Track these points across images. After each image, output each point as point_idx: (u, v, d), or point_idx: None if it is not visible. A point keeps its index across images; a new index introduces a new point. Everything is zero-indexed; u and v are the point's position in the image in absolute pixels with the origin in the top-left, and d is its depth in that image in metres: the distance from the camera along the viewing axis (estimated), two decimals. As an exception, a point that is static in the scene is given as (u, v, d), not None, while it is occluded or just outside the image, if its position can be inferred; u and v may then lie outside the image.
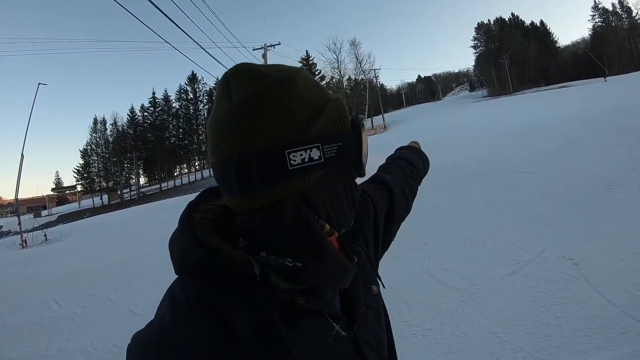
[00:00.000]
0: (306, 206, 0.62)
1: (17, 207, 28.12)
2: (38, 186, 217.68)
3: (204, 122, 77.73)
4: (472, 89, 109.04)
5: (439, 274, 5.24)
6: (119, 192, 72.43)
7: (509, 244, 5.85)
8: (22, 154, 24.84)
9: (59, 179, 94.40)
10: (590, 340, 3.35)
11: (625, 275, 4.32)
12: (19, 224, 22.89)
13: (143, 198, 62.34)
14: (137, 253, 10.07)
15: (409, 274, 5.39)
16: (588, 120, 16.27)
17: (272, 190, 0.60)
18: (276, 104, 0.60)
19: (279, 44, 28.46)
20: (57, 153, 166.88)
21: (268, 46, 27.74)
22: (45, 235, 21.57)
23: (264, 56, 27.28)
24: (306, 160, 0.59)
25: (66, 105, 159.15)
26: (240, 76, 0.64)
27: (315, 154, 0.60)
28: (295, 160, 0.59)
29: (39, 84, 27.41)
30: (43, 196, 78.78)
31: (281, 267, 0.61)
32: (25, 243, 20.08)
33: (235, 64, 0.68)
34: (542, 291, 4.30)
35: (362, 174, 0.71)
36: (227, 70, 0.68)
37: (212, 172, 0.66)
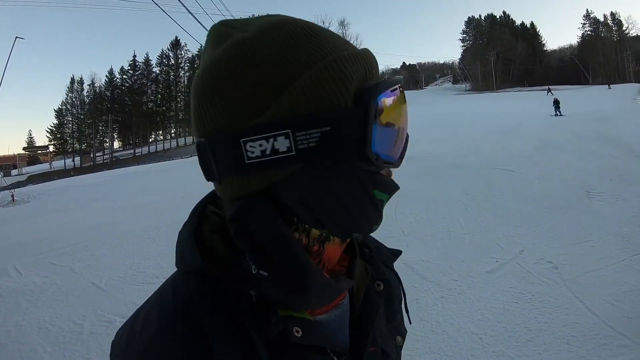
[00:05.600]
0: (275, 206, 0.48)
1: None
2: (9, 144, 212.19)
3: (183, 90, 77.58)
4: (455, 81, 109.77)
5: (417, 266, 5.14)
6: (91, 155, 71.07)
7: (488, 241, 5.82)
8: None
9: (31, 138, 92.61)
10: (571, 348, 3.30)
11: (604, 283, 4.32)
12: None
13: (116, 162, 61.75)
14: (105, 220, 9.78)
15: (387, 263, 5.28)
16: (567, 124, 16.46)
17: (234, 183, 0.48)
18: (226, 77, 0.47)
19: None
20: (31, 111, 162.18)
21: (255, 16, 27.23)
22: (12, 195, 21.21)
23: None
24: (267, 152, 0.45)
25: (42, 61, 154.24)
26: (210, 39, 0.52)
27: (283, 144, 0.44)
28: (253, 153, 0.45)
29: (16, 37, 26.63)
30: (14, 155, 76.86)
31: (256, 278, 0.49)
32: None
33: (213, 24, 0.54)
34: (523, 293, 4.26)
35: (378, 167, 0.51)
36: None
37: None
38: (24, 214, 14.15)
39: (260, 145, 0.44)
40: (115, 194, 15.28)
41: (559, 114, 24.01)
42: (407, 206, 7.71)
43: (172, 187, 9.25)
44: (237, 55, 0.47)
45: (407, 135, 0.56)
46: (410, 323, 0.75)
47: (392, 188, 0.56)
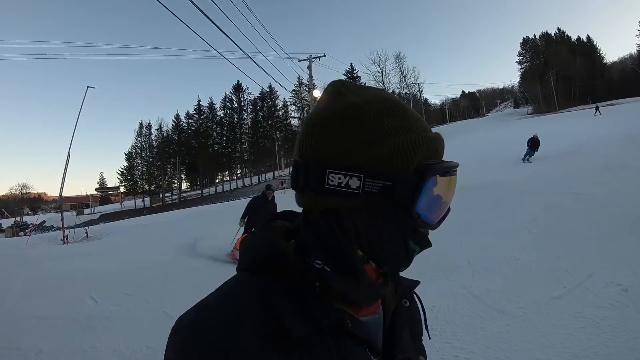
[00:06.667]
0: (337, 224, 0.64)
1: (60, 203, 29.43)
2: (82, 185, 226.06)
3: (247, 132, 79.78)
4: (516, 105, 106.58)
5: (483, 295, 5.08)
6: (160, 196, 74.64)
7: (555, 266, 5.62)
8: (68, 153, 26.23)
9: (103, 179, 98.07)
10: (641, 374, 3.13)
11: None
12: (62, 220, 23.79)
13: (184, 202, 64.40)
14: (175, 255, 10.24)
15: (452, 293, 5.27)
16: (635, 140, 15.62)
17: (312, 197, 0.64)
18: (336, 125, 0.64)
19: (324, 55, 28.42)
20: (102, 154, 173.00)
21: (313, 58, 27.84)
22: (86, 232, 22.25)
23: (309, 67, 27.46)
24: (342, 185, 0.61)
25: (112, 108, 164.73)
26: (330, 90, 0.70)
27: (354, 182, 0.61)
28: (332, 181, 0.62)
29: (88, 87, 28.88)
30: (86, 195, 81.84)
31: (321, 272, 0.62)
32: (67, 239, 20.79)
33: (333, 80, 0.73)
34: (590, 317, 4.08)
35: (417, 225, 0.66)
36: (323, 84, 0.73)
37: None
38: (98, 249, 14.94)
39: (339, 178, 0.61)
40: (183, 231, 15.81)
41: (527, 159, 18.39)
42: (473, 236, 7.64)
43: (235, 223, 9.69)
44: (350, 112, 0.64)
45: (449, 208, 0.71)
46: (430, 338, 0.86)
47: (425, 244, 0.70)
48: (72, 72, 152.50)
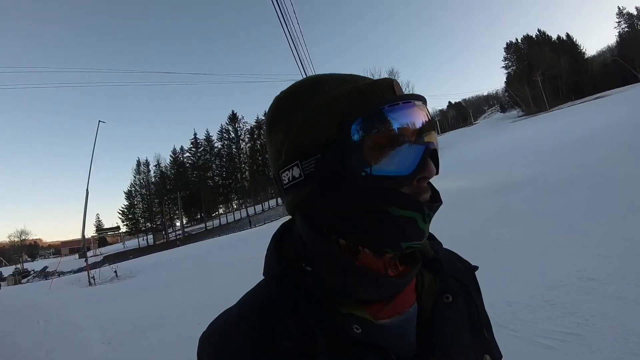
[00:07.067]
0: (306, 219, 0.62)
1: (84, 243, 29.28)
2: (79, 228, 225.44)
3: (247, 161, 79.90)
4: (503, 110, 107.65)
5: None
6: (163, 233, 74.38)
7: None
8: (87, 190, 26.80)
9: (99, 221, 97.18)
10: None
11: None
12: (86, 260, 23.58)
13: (189, 238, 63.45)
14: (240, 286, 9.99)
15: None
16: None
17: (285, 204, 0.66)
18: (269, 131, 0.67)
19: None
20: (97, 195, 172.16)
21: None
22: (115, 271, 21.63)
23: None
24: (291, 178, 0.61)
25: (102, 149, 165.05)
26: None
27: (296, 171, 0.59)
28: (285, 180, 0.62)
29: (100, 121, 29.76)
30: (88, 238, 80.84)
31: (312, 275, 0.61)
32: (94, 280, 20.38)
33: None
34: None
35: (382, 183, 0.56)
36: None
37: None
38: (143, 287, 14.61)
39: (287, 174, 0.61)
40: (223, 263, 15.44)
41: None
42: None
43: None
44: (274, 113, 0.66)
45: (426, 149, 0.59)
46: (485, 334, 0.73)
47: (415, 205, 0.58)
48: (67, 111, 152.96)
